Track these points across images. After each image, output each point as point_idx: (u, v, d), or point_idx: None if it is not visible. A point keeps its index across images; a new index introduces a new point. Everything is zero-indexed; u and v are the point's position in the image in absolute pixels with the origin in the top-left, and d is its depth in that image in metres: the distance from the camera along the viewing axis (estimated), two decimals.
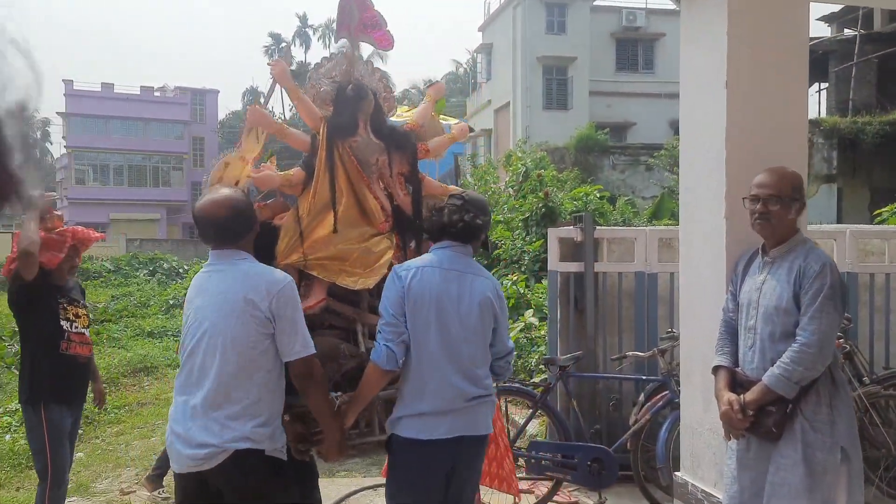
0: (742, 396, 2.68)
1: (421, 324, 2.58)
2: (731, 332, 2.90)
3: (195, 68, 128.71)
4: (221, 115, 51.37)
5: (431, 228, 2.78)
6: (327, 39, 53.67)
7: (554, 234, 5.32)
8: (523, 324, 7.93)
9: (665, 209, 17.45)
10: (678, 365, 4.76)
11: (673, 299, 5.14)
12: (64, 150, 48.21)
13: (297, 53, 56.18)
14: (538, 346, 7.45)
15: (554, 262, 5.26)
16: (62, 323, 3.76)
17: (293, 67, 3.09)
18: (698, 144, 3.38)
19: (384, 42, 3.05)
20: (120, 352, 10.65)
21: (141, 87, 46.69)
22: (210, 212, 2.53)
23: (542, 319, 8.03)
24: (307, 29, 55.34)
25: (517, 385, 4.82)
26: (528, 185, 12.57)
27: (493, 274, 10.52)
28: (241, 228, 2.56)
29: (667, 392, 4.54)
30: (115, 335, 12.11)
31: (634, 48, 28.03)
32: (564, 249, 5.28)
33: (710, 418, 3.16)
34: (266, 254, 2.73)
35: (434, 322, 2.58)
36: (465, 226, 2.67)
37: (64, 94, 45.79)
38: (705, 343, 3.16)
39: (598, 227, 5.25)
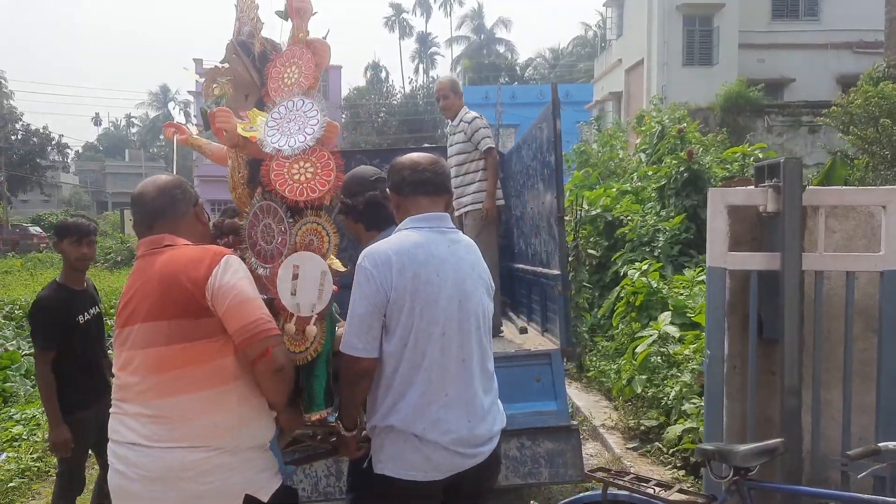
0: None
1: None
2: None
3: None
4: (345, 92, 51.17)
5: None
6: (448, 8, 51.81)
7: (720, 198, 2.89)
8: (656, 333, 5.51)
9: (836, 178, 14.14)
10: None
11: None
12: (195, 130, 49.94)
13: (418, 23, 54.96)
14: (679, 372, 5.05)
15: (719, 252, 2.88)
16: None
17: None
18: None
19: None
20: None
21: None
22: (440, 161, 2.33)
23: (683, 326, 5.60)
24: None
25: (645, 498, 2.43)
26: (664, 146, 9.98)
27: (615, 259, 8.15)
28: None
29: None
30: None
31: None
32: (739, 228, 2.89)
33: None
34: None
35: None
36: None
37: (196, 73, 47.14)
38: None
39: (807, 188, 2.78)
